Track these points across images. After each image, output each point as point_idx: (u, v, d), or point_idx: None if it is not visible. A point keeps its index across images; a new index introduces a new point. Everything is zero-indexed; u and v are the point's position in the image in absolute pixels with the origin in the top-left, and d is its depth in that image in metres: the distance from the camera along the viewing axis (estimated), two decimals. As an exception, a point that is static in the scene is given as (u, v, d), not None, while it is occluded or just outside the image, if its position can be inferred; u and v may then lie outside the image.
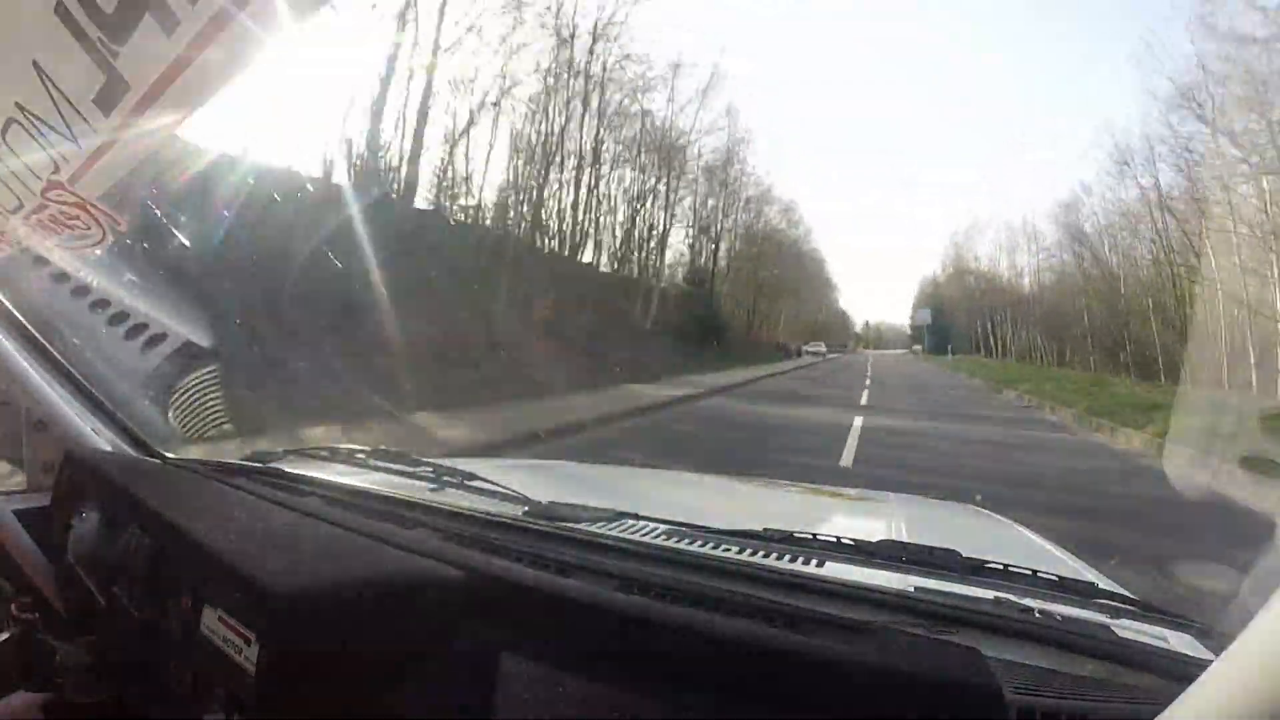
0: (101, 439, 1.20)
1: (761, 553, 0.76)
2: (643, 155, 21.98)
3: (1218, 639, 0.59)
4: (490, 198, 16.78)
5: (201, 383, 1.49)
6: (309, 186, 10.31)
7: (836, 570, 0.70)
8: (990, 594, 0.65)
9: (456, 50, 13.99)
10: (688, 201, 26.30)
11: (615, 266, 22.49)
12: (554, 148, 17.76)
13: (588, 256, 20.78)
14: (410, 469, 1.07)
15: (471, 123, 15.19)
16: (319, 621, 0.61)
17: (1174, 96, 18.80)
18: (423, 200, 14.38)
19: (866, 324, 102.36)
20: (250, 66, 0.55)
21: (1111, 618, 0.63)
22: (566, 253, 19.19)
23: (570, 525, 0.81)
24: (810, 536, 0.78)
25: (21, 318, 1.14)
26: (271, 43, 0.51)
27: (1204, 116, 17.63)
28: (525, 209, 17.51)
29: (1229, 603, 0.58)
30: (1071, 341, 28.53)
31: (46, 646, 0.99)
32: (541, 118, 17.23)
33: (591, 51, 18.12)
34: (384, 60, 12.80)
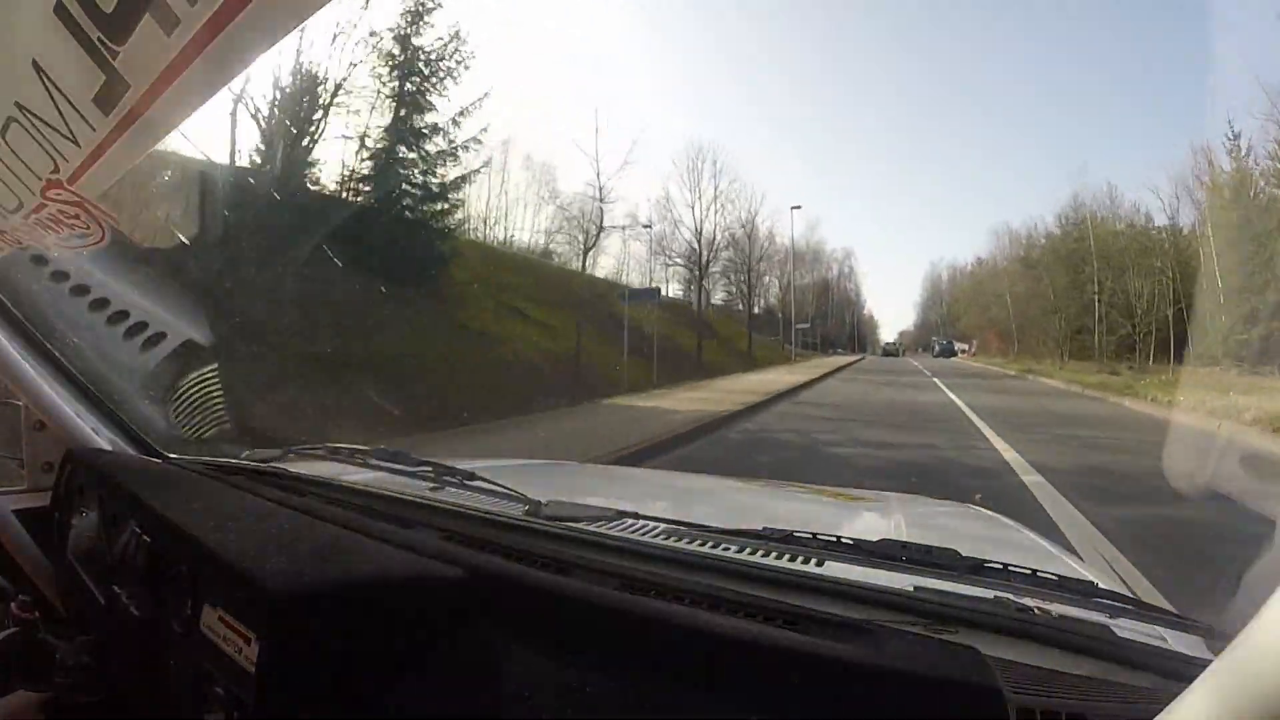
0: (101, 439, 1.20)
1: (761, 552, 0.76)
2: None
3: (1218, 639, 0.59)
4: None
5: (201, 382, 1.49)
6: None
7: (836, 569, 0.70)
8: (990, 593, 0.65)
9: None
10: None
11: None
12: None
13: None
14: (410, 468, 1.07)
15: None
16: (319, 621, 0.61)
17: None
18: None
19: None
20: (250, 66, 0.55)
21: (1111, 617, 0.63)
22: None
23: (570, 524, 0.81)
24: (810, 536, 0.78)
25: (22, 317, 1.14)
26: (271, 42, 0.51)
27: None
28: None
29: (1229, 603, 0.58)
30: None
31: (46, 646, 0.99)
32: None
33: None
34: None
